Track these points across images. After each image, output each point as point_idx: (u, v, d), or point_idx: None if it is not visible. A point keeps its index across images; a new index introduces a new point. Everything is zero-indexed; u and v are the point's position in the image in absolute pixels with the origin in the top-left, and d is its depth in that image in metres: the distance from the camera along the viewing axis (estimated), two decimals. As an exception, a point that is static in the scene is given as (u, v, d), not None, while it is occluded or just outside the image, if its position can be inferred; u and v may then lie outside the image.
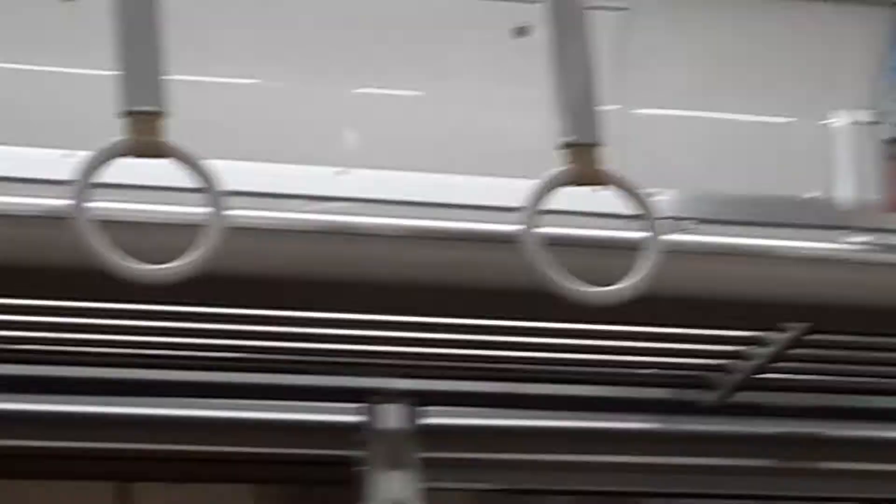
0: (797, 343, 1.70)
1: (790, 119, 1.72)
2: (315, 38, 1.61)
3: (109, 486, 1.87)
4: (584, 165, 1.29)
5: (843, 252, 1.54)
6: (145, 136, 1.21)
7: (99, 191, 1.18)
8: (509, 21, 1.57)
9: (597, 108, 1.32)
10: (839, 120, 1.69)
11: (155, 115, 1.22)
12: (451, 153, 1.58)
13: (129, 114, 1.22)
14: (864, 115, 1.70)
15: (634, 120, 1.63)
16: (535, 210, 1.25)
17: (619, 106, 1.53)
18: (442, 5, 1.62)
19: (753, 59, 1.72)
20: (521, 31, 1.58)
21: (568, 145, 1.29)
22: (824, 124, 1.69)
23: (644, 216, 1.29)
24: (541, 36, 1.40)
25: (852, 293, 1.53)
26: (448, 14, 1.62)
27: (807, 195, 1.64)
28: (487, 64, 1.62)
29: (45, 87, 1.57)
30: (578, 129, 1.30)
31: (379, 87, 1.63)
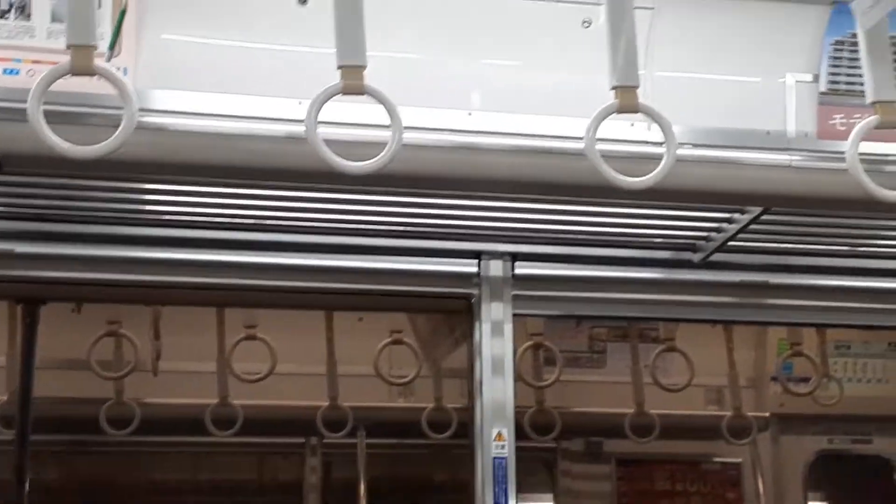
0: (754, 221, 2.24)
1: (756, 79, 2.09)
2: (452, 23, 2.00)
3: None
4: (627, 101, 1.67)
5: (784, 162, 1.98)
6: (352, 81, 1.59)
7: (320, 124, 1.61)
8: (579, 17, 2.00)
9: (636, 67, 1.68)
10: (790, 79, 2.07)
11: (359, 68, 1.61)
12: (539, 101, 1.98)
13: (342, 67, 1.60)
14: (806, 76, 2.08)
15: (656, 78, 1.96)
16: (594, 132, 1.66)
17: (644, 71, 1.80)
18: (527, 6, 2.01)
19: (730, 40, 2.07)
20: (587, 24, 2.00)
21: (616, 87, 1.68)
22: (781, 82, 2.06)
23: (666, 137, 1.68)
24: (598, 27, 1.90)
25: (791, 189, 2.01)
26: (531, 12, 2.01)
27: (766, 129, 2.02)
28: (565, 46, 2.01)
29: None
30: (623, 77, 1.67)
31: (490, 60, 2.02)
